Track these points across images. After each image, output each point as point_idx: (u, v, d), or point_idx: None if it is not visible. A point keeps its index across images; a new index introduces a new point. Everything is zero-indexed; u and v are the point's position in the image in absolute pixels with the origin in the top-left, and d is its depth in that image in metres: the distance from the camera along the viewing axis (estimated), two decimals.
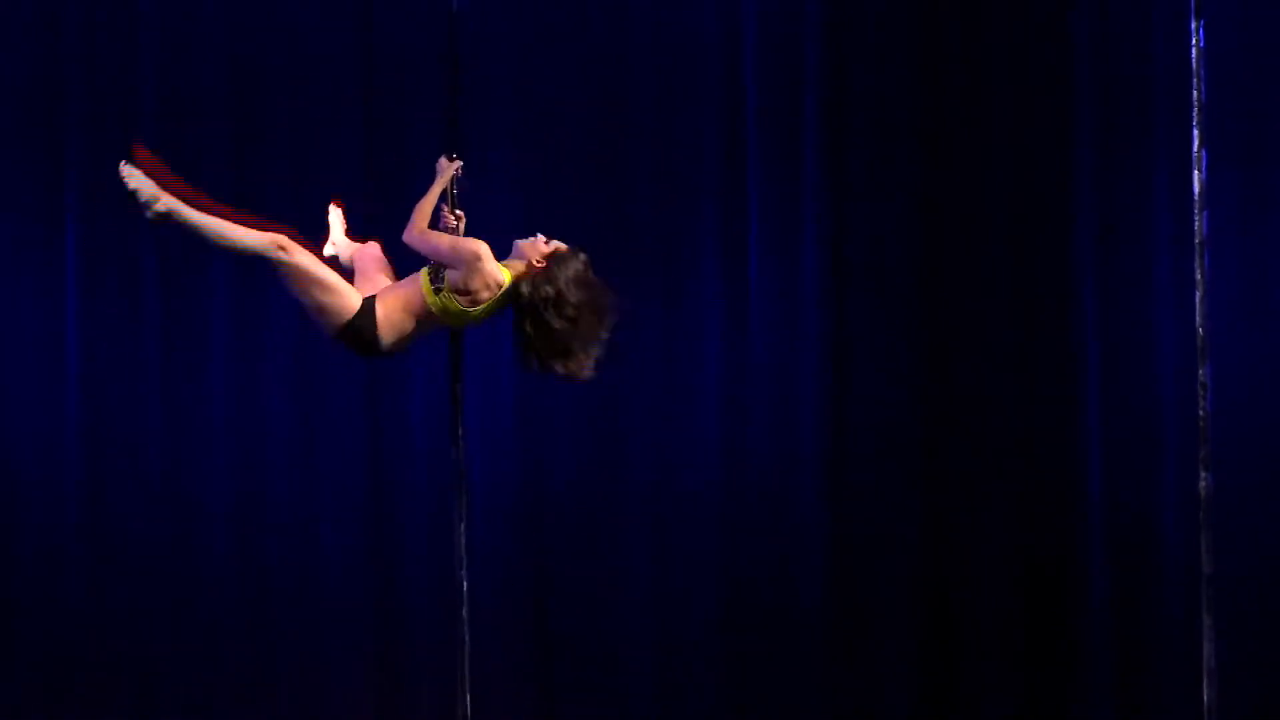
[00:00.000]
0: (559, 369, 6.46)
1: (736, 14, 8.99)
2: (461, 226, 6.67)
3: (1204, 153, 6.82)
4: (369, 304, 6.45)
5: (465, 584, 6.71)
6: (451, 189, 6.66)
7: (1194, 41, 6.86)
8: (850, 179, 8.95)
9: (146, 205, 6.35)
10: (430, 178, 6.65)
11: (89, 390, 9.03)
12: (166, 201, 6.35)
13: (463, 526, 6.72)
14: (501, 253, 6.50)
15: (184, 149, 9.03)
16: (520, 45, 9.02)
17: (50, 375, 9.05)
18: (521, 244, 6.51)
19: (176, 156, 8.94)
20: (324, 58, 9.06)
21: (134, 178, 6.35)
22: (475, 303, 6.44)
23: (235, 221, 6.41)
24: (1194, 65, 6.84)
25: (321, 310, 6.45)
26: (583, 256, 6.49)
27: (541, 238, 6.51)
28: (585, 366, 6.48)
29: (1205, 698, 7.03)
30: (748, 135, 9.01)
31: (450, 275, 6.41)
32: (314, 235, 8.92)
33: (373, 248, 6.84)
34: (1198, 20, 6.85)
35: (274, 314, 9.01)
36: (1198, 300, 6.81)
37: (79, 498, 9.02)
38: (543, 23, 9.02)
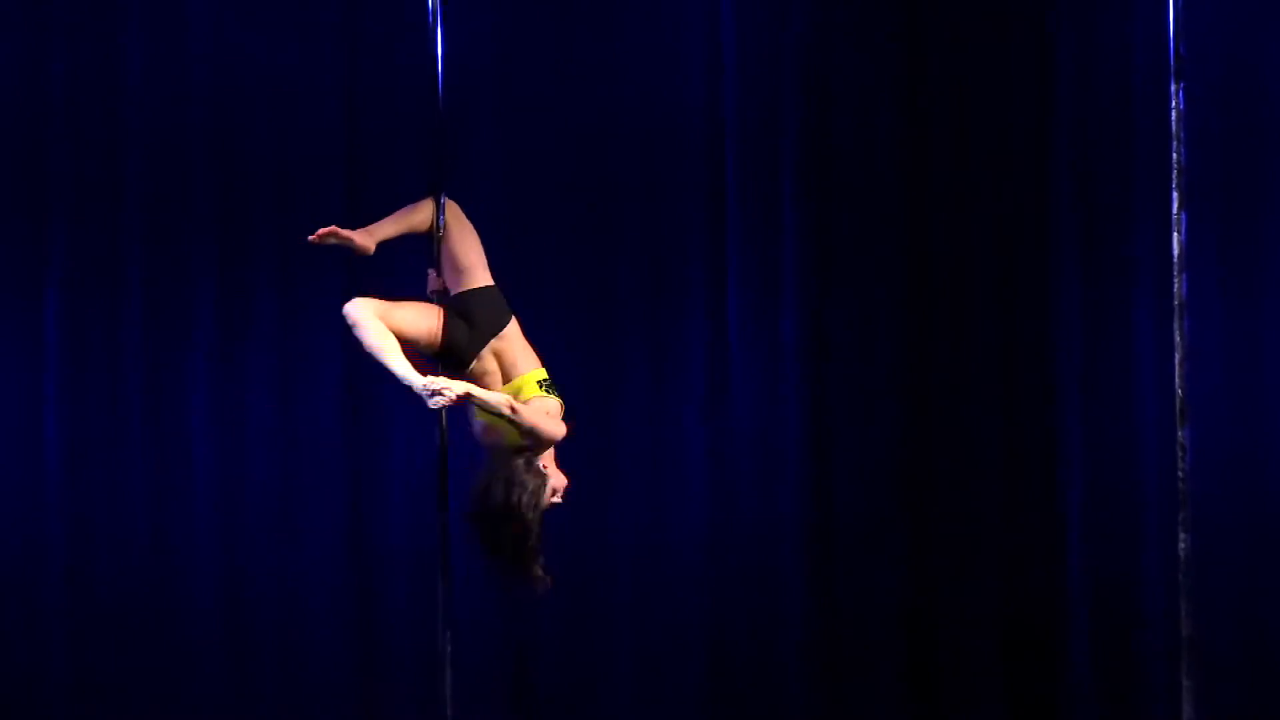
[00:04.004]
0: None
1: (719, 82, 9.01)
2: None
3: (1184, 215, 6.83)
4: None
5: (449, 647, 6.68)
6: (436, 243, 6.66)
7: (1174, 104, 6.87)
8: (831, 245, 8.96)
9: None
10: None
11: (69, 456, 8.98)
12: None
13: (445, 590, 6.69)
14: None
15: (169, 201, 9.04)
16: (504, 113, 9.02)
17: (29, 440, 9.01)
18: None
19: (162, 212, 9.05)
20: (307, 118, 9.05)
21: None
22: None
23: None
24: (1174, 128, 6.85)
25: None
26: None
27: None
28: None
29: None
30: (728, 203, 9.03)
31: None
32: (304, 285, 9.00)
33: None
34: (1177, 83, 6.86)
35: (255, 377, 9.00)
36: (1177, 362, 6.81)
37: (60, 564, 8.96)
38: (526, 89, 9.03)
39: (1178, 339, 6.78)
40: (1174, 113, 6.87)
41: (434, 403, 6.27)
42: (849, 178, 8.94)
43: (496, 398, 6.34)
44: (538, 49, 9.03)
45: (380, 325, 6.33)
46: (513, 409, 6.31)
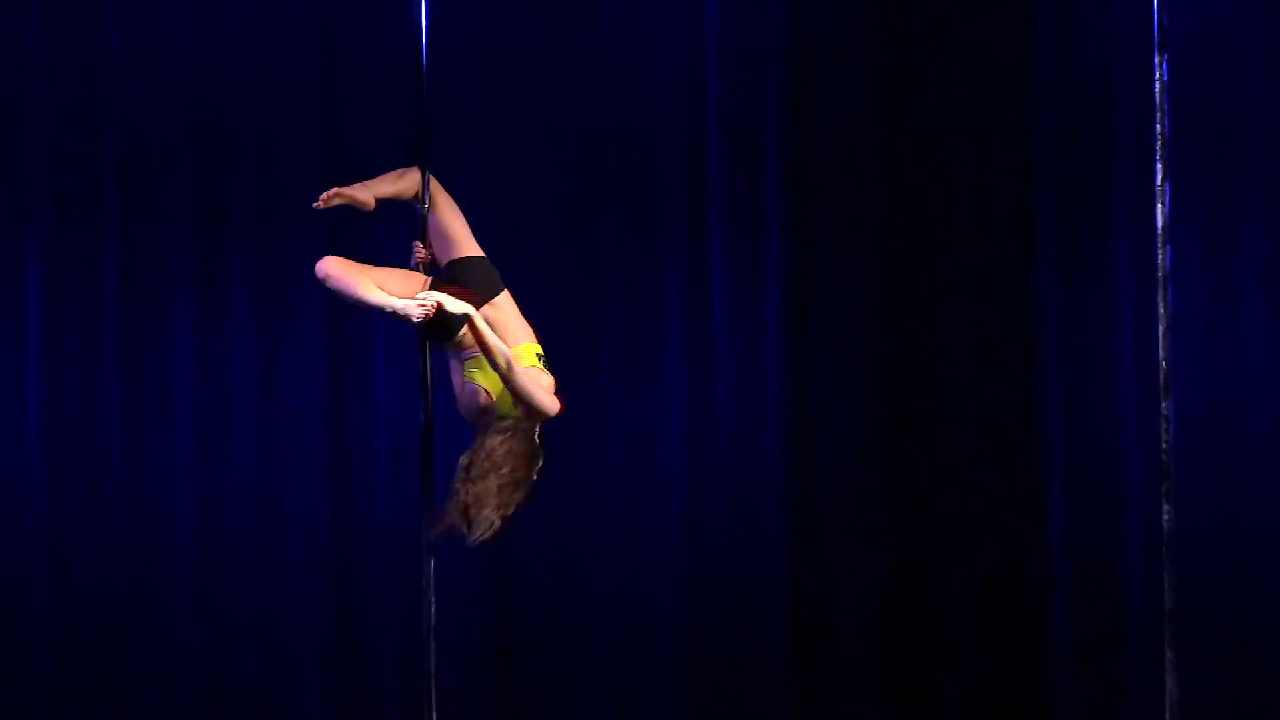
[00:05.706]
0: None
1: (701, 65, 8.99)
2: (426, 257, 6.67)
3: (1167, 187, 6.82)
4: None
5: (431, 621, 6.67)
6: (422, 216, 6.65)
7: (1157, 76, 6.87)
8: (814, 222, 8.95)
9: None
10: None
11: (50, 438, 8.96)
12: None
13: (429, 565, 6.69)
14: None
15: (148, 176, 9.02)
16: (487, 93, 9.00)
17: (10, 417, 8.98)
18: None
19: (141, 186, 9.02)
20: (287, 93, 9.03)
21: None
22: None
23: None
24: (1157, 99, 6.84)
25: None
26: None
27: None
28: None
29: None
30: (711, 187, 9.02)
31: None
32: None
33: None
34: (1161, 55, 6.86)
35: (237, 352, 8.98)
36: (1160, 334, 6.80)
37: (41, 546, 8.94)
38: (509, 71, 9.00)
39: (1161, 310, 6.78)
40: (1157, 84, 6.87)
41: (417, 314, 6.27)
42: (831, 159, 8.94)
43: (497, 342, 6.30)
44: (520, 35, 9.00)
45: (353, 269, 6.33)
46: (509, 364, 6.28)
